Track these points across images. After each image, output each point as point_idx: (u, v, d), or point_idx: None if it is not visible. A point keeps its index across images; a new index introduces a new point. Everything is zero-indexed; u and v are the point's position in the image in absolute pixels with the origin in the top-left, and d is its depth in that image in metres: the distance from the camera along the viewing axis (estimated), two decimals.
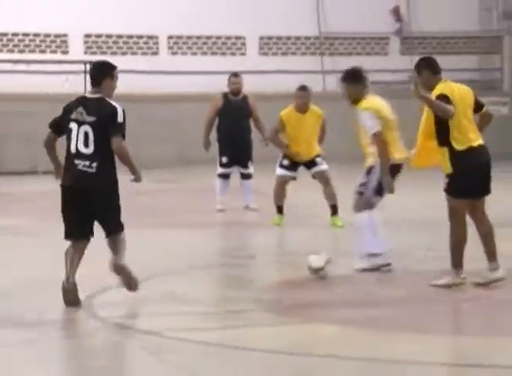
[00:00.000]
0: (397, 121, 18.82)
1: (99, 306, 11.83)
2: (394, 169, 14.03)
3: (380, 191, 14.55)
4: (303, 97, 18.32)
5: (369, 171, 14.90)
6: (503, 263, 12.80)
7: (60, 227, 13.41)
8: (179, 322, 11.30)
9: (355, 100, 14.06)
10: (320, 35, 34.06)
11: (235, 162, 20.06)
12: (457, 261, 13.35)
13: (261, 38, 33.43)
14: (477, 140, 13.15)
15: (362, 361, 9.49)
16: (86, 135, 11.28)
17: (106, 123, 11.20)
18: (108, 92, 11.68)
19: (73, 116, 11.22)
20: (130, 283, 11.60)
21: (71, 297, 11.47)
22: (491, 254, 13.43)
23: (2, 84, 26.93)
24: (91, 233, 11.38)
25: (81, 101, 11.43)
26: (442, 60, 33.76)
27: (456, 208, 13.20)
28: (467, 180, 12.95)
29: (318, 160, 18.58)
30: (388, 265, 14.56)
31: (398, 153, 13.70)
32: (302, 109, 18.29)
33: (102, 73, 11.42)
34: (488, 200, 14.36)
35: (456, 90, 13.15)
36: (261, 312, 11.72)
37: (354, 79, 14.13)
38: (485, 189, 13.32)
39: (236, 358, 9.70)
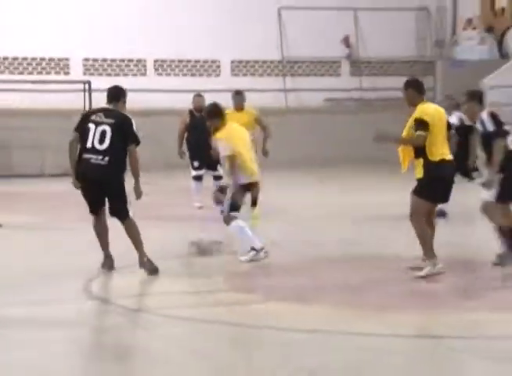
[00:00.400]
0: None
1: (98, 288, 12.80)
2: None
3: (234, 207, 15.73)
4: (240, 99, 19.69)
5: None
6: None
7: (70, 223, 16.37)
8: (166, 301, 12.15)
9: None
10: (283, 59, 34.51)
11: (206, 166, 20.84)
12: (430, 251, 14.22)
13: (233, 62, 33.94)
14: (448, 155, 14.12)
15: (316, 333, 10.59)
16: (103, 133, 12.49)
17: (122, 125, 12.55)
18: (122, 107, 13.24)
19: (93, 118, 12.67)
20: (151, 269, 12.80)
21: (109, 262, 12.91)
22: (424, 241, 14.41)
23: (13, 101, 27.28)
24: (104, 206, 12.71)
25: (102, 109, 12.89)
26: (385, 81, 32.07)
27: (419, 208, 13.98)
28: (434, 186, 13.80)
29: None
30: (262, 249, 15.65)
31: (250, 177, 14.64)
32: (238, 109, 19.52)
33: (120, 93, 13.13)
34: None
35: (435, 111, 14.23)
36: (232, 292, 12.68)
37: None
38: (445, 197, 14.45)
39: (207, 329, 10.78)
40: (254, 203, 16.36)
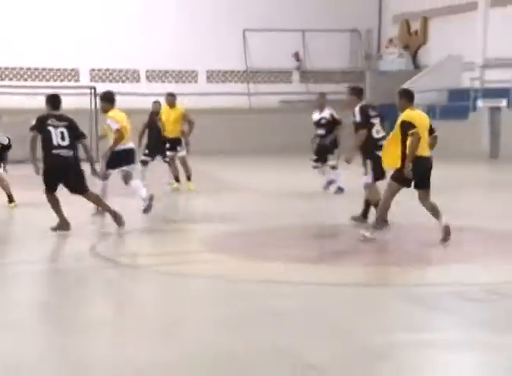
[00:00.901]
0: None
1: (98, 248, 12.99)
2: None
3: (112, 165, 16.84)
4: (171, 99, 20.90)
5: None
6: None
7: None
8: (150, 260, 12.73)
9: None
10: (247, 69, 36.00)
11: (156, 153, 21.31)
12: (384, 220, 14.61)
13: (208, 71, 35.56)
14: (427, 152, 14.31)
15: (268, 282, 10.86)
16: (62, 133, 13.71)
17: (72, 126, 13.74)
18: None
19: (49, 122, 13.75)
20: (117, 221, 13.92)
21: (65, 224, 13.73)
22: (436, 215, 14.45)
23: (36, 102, 25.90)
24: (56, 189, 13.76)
25: (52, 115, 13.87)
26: (327, 86, 33.17)
27: (393, 188, 14.18)
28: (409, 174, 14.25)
29: (178, 147, 20.72)
30: (151, 197, 16.77)
31: None
32: (170, 106, 20.77)
33: (60, 101, 14.38)
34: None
35: (419, 116, 14.37)
36: (207, 252, 12.99)
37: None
38: (423, 185, 14.38)
39: (186, 282, 11.17)
40: (175, 179, 20.24)
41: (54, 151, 13.47)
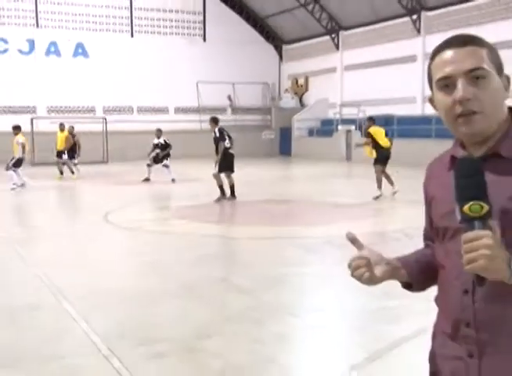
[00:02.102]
0: None
1: (110, 218, 12.85)
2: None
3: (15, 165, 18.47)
4: (62, 127, 22.76)
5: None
6: None
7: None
8: (139, 224, 12.23)
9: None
10: (199, 106, 36.25)
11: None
12: (379, 188, 15.33)
13: (175, 107, 35.76)
14: (387, 146, 15.40)
15: (212, 236, 10.88)
16: None
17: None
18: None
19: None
20: None
21: None
22: (390, 183, 15.63)
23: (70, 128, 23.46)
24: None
25: None
26: (248, 117, 36.86)
27: (378, 169, 15.33)
28: (381, 160, 15.29)
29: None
30: (23, 184, 18.41)
31: None
32: (61, 130, 22.50)
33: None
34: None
35: (378, 129, 15.57)
36: (177, 219, 12.99)
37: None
38: (385, 164, 15.35)
39: (161, 236, 11.09)
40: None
41: None
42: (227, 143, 15.61)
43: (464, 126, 1.81)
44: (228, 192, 15.69)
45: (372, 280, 1.98)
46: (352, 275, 2.00)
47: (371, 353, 5.23)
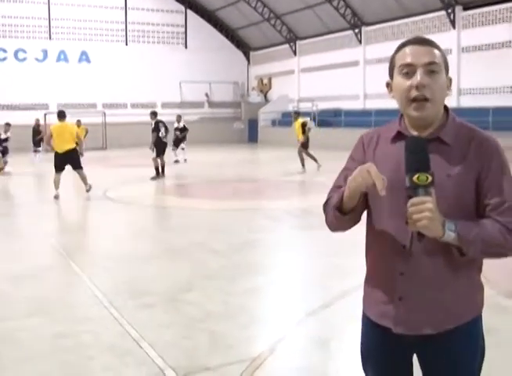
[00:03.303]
0: None
1: (110, 195, 12.69)
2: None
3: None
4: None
5: None
6: None
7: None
8: (134, 199, 12.06)
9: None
10: (181, 101, 35.56)
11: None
12: (303, 166, 15.67)
13: (162, 103, 34.54)
14: (300, 138, 15.58)
15: (196, 210, 10.72)
16: None
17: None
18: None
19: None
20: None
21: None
22: (314, 160, 15.95)
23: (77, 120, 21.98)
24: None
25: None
26: (222, 111, 36.16)
27: (303, 148, 15.46)
28: (305, 144, 15.58)
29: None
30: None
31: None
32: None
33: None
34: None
35: (301, 120, 15.75)
36: (165, 195, 13.08)
37: None
38: (307, 146, 15.61)
39: (150, 209, 11.10)
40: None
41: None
42: (161, 133, 15.23)
43: (416, 110, 1.84)
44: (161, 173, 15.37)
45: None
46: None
47: (325, 301, 5.28)
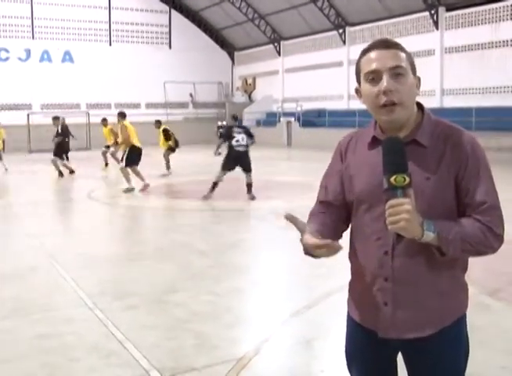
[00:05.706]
0: None
1: (93, 195, 12.73)
2: None
3: None
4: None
5: None
6: None
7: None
8: (117, 200, 12.38)
9: None
10: (166, 101, 35.71)
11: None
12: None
13: (147, 104, 35.11)
14: (165, 144, 15.56)
15: (183, 211, 10.84)
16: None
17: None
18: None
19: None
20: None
21: None
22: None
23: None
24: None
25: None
26: (205, 111, 35.76)
27: (167, 154, 15.55)
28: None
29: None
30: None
31: None
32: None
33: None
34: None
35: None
36: (150, 195, 12.54)
37: None
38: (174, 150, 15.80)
39: (134, 209, 10.97)
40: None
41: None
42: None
43: (386, 114, 1.83)
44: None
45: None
46: (315, 254, 1.87)
47: (310, 302, 5.29)
